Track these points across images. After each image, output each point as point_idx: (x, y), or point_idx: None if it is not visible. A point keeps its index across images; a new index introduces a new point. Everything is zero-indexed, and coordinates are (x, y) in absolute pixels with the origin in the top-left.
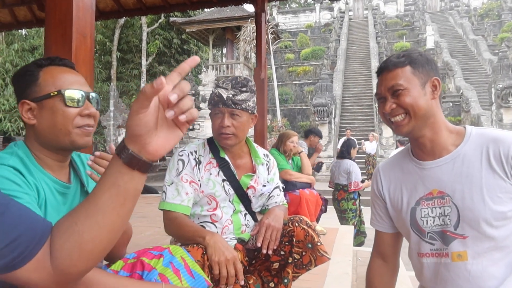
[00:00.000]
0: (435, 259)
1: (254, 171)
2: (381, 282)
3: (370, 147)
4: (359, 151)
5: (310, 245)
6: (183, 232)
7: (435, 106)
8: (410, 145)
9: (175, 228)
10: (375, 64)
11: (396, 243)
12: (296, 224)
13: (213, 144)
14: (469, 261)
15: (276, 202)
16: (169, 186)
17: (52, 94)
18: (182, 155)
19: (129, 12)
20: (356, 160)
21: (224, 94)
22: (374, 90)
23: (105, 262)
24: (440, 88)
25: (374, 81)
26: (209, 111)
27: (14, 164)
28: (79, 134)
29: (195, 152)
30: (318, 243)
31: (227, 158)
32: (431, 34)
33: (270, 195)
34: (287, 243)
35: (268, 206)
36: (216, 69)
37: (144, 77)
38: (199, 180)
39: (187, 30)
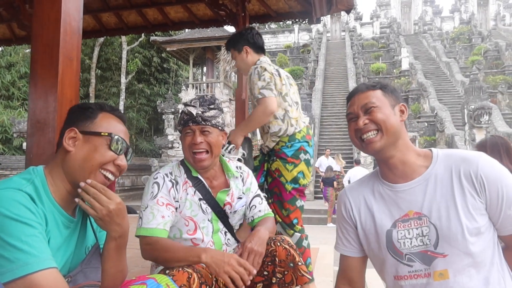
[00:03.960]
0: (415, 281)
1: (228, 186)
2: None
3: (325, 163)
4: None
5: (291, 264)
6: (171, 254)
7: (403, 129)
8: (378, 168)
9: (159, 252)
10: (352, 84)
11: (362, 268)
12: (278, 244)
13: (185, 165)
14: (450, 279)
15: (260, 211)
16: (144, 211)
17: (102, 133)
18: (156, 178)
19: (110, 31)
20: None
21: (194, 111)
22: None
23: None
24: (407, 114)
25: None
26: None
27: (30, 192)
28: (97, 179)
29: (170, 173)
30: (299, 263)
31: (200, 176)
32: (406, 56)
33: (251, 205)
34: (269, 263)
35: (253, 217)
36: (196, 88)
37: (123, 94)
38: (177, 201)
39: (168, 49)
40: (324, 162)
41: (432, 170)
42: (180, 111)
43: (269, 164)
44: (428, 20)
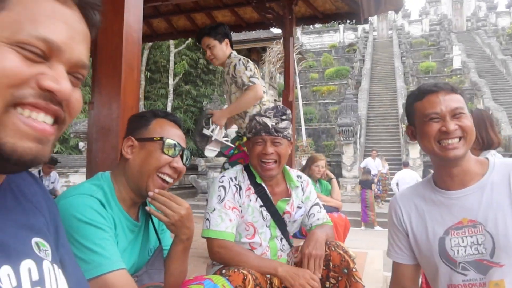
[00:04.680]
0: None
1: (289, 195)
2: None
3: (372, 165)
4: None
5: (345, 271)
6: (246, 260)
7: None
8: (434, 174)
9: (234, 256)
10: (400, 84)
11: (416, 276)
12: (333, 249)
13: (249, 170)
14: None
15: (318, 219)
16: (211, 213)
17: (155, 138)
18: (222, 182)
19: (161, 36)
20: None
21: (269, 122)
22: (400, 110)
23: None
24: None
25: (400, 101)
26: (234, 129)
27: (100, 198)
28: (155, 183)
29: (235, 178)
30: (354, 269)
31: (263, 184)
32: (458, 54)
33: (310, 213)
34: (324, 267)
35: (311, 224)
36: None
37: (171, 96)
38: (240, 206)
39: None
40: (371, 164)
41: (488, 178)
42: (251, 118)
43: (240, 141)
44: (482, 16)
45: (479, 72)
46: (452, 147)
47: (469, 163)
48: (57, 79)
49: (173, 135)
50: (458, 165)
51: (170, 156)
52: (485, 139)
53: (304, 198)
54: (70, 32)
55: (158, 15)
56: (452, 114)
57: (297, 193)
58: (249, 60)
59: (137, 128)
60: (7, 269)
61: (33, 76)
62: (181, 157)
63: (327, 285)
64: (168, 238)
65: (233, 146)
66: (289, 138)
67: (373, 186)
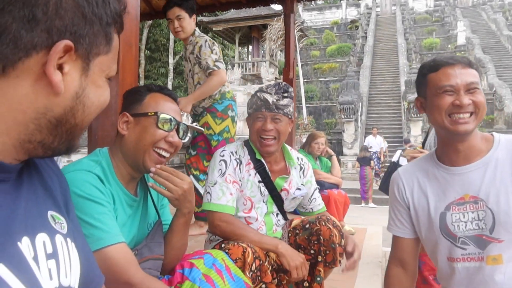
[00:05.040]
0: (468, 264)
1: (288, 173)
2: None
3: (373, 142)
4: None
5: (333, 245)
6: (247, 235)
7: None
8: (437, 149)
9: (235, 230)
10: (403, 61)
11: (415, 249)
12: (323, 223)
13: (249, 146)
14: (504, 264)
15: (319, 204)
16: (212, 186)
17: (149, 113)
18: (223, 156)
19: (160, 14)
20: None
21: (269, 98)
22: (403, 88)
23: None
24: None
25: (402, 78)
26: None
27: (99, 174)
28: (151, 157)
29: (235, 152)
30: (338, 245)
31: (262, 160)
32: (463, 30)
33: (312, 197)
34: (316, 242)
35: (312, 209)
36: (242, 67)
37: (171, 75)
38: (240, 180)
39: (214, 28)
40: (372, 141)
41: (493, 154)
42: (253, 94)
43: (197, 122)
44: None
45: (483, 49)
46: (463, 121)
47: (475, 139)
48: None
49: (168, 109)
50: (464, 140)
51: (165, 130)
52: None
53: (305, 181)
54: None
55: None
56: (466, 89)
57: (296, 174)
58: (215, 42)
59: (131, 103)
60: (26, 240)
61: None
62: (177, 131)
63: (319, 259)
64: (167, 213)
65: (202, 129)
66: (289, 116)
67: (372, 163)
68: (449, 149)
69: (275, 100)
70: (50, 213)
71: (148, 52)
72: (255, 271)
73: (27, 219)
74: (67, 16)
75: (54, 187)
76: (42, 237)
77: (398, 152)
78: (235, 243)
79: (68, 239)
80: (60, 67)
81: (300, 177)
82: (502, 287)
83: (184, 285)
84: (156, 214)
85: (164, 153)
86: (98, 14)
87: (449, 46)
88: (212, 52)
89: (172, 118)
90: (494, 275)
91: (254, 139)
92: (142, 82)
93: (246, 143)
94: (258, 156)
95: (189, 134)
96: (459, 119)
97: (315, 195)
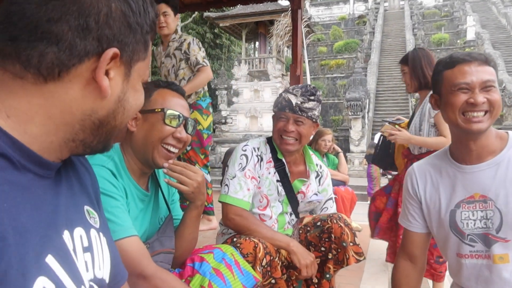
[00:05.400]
0: (475, 260)
1: (307, 177)
2: (408, 284)
3: None
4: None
5: (344, 244)
6: (260, 230)
7: None
8: (451, 147)
9: (248, 225)
10: None
11: (425, 244)
12: (335, 221)
13: (271, 144)
14: (510, 263)
15: None
16: (231, 179)
17: (156, 110)
18: (245, 150)
19: None
20: None
21: (293, 100)
22: None
23: None
24: None
25: None
26: (242, 105)
27: (112, 168)
28: (160, 153)
29: (258, 148)
30: (351, 243)
31: (284, 160)
32: (472, 24)
33: (323, 207)
34: (327, 239)
35: None
36: (249, 63)
37: None
38: (259, 177)
39: (220, 24)
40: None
41: (506, 153)
42: (280, 94)
43: None
44: None
45: (493, 44)
46: (476, 120)
47: (489, 138)
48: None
49: (175, 105)
50: (478, 139)
51: (172, 126)
52: (421, 78)
53: (321, 189)
54: None
55: None
56: (482, 87)
57: (314, 179)
58: (199, 41)
59: None
60: (67, 233)
61: None
62: (185, 126)
63: (329, 256)
64: (178, 208)
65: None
66: (314, 119)
67: None
68: (462, 147)
69: (299, 102)
70: (86, 207)
71: (154, 48)
72: (266, 266)
73: (67, 213)
74: (115, 25)
75: (87, 183)
76: (79, 231)
77: (379, 134)
78: (247, 238)
79: (101, 233)
80: (106, 73)
81: (316, 183)
82: (510, 285)
83: (195, 279)
84: (167, 209)
85: (172, 149)
86: (140, 23)
87: (458, 41)
88: (200, 50)
89: (180, 114)
90: (501, 273)
91: (275, 137)
92: (149, 79)
93: (269, 141)
94: (279, 156)
95: None
96: (473, 117)
97: (327, 205)
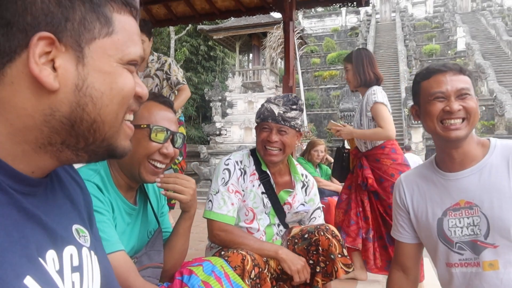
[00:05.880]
0: (465, 269)
1: (292, 187)
2: None
3: None
4: None
5: (332, 256)
6: (247, 243)
7: None
8: (436, 156)
9: (234, 239)
10: (403, 68)
11: (417, 255)
12: (322, 233)
13: (255, 156)
14: (500, 270)
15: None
16: (215, 195)
17: (142, 126)
18: (228, 164)
19: (160, 22)
20: None
21: (276, 110)
22: (403, 94)
23: None
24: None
25: (403, 85)
26: (236, 116)
27: (98, 183)
28: (147, 169)
29: (240, 162)
30: (339, 255)
31: (268, 172)
32: (462, 35)
33: (311, 217)
34: (314, 252)
35: None
36: (243, 75)
37: None
38: (243, 190)
39: (214, 37)
40: None
41: (488, 159)
42: (262, 104)
43: None
44: None
45: (483, 54)
46: (454, 127)
47: (470, 145)
48: (141, 85)
49: (161, 119)
50: (459, 146)
51: (159, 142)
52: (362, 76)
53: (308, 199)
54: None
55: (157, 1)
56: (457, 95)
57: (300, 190)
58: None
59: None
60: (52, 253)
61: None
62: (172, 141)
63: (317, 269)
64: (167, 221)
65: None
66: (297, 128)
67: None
68: (445, 155)
69: (281, 112)
70: (75, 227)
71: None
72: (255, 278)
73: (54, 232)
74: (36, 9)
75: (78, 200)
76: (69, 250)
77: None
78: (234, 251)
79: (92, 252)
80: (53, 63)
81: (303, 194)
82: None
83: None
84: (156, 222)
85: (158, 165)
86: None
87: (449, 52)
88: (179, 70)
89: (166, 129)
90: (491, 281)
91: (259, 148)
92: None
93: (253, 153)
94: (264, 167)
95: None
96: (451, 125)
97: (315, 215)
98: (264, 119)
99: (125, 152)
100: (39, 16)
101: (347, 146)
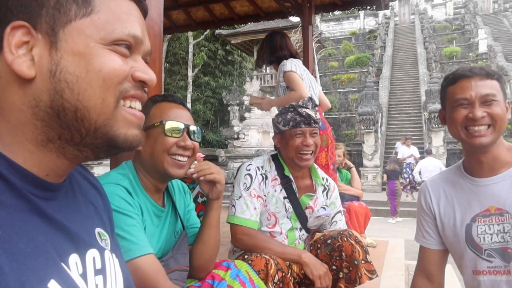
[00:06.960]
0: (494, 277)
1: (314, 191)
2: None
3: (407, 153)
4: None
5: (356, 262)
6: (270, 247)
7: None
8: (463, 161)
9: (258, 243)
10: (423, 71)
11: (442, 261)
12: (345, 239)
13: (277, 161)
14: None
15: (340, 228)
16: (237, 200)
17: (155, 124)
18: (249, 170)
19: (180, 28)
20: None
21: (312, 114)
22: (423, 98)
23: None
24: (509, 111)
25: (423, 88)
26: (254, 120)
27: (127, 186)
28: (170, 164)
29: (262, 167)
30: (363, 261)
31: (291, 176)
32: (484, 37)
33: (333, 220)
34: (337, 258)
35: None
36: (260, 79)
37: (190, 87)
38: (265, 195)
39: (232, 41)
40: (405, 152)
41: None
42: (282, 112)
43: None
44: None
45: (506, 56)
46: (478, 134)
47: (499, 150)
48: (144, 69)
49: (174, 116)
50: (487, 152)
51: (174, 137)
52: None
53: (329, 203)
54: (142, 25)
55: (177, 7)
56: (482, 101)
57: (321, 193)
58: None
59: None
60: (75, 257)
61: (129, 70)
62: (188, 133)
63: (340, 275)
64: (194, 217)
65: None
66: (321, 128)
67: (400, 177)
68: (473, 160)
69: (313, 115)
70: (97, 230)
71: (167, 65)
72: (278, 282)
73: (76, 236)
74: (6, 1)
75: (98, 204)
76: (92, 253)
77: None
78: (258, 255)
79: (113, 255)
80: (31, 52)
81: (324, 197)
82: None
83: None
84: (182, 226)
85: (180, 158)
86: None
87: (470, 54)
88: None
89: (179, 122)
90: None
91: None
92: None
93: (274, 158)
94: (286, 172)
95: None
96: (475, 132)
97: (336, 218)
98: (296, 125)
99: (129, 141)
100: (13, 6)
101: None
